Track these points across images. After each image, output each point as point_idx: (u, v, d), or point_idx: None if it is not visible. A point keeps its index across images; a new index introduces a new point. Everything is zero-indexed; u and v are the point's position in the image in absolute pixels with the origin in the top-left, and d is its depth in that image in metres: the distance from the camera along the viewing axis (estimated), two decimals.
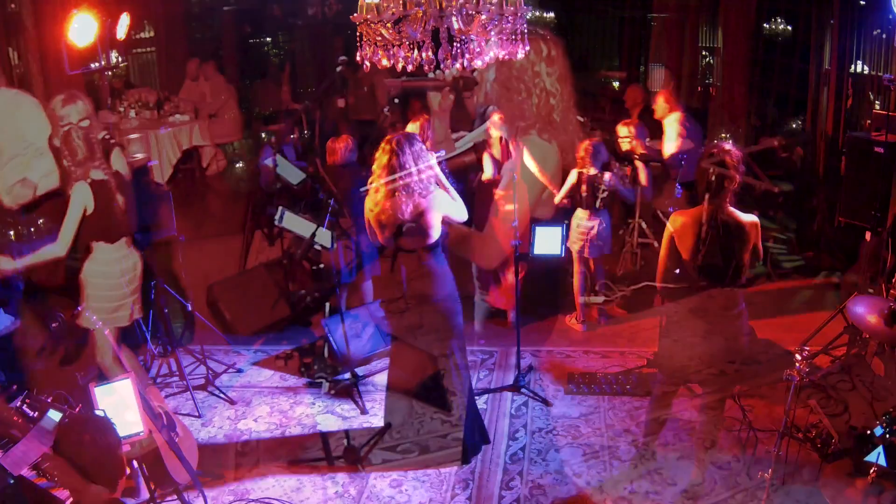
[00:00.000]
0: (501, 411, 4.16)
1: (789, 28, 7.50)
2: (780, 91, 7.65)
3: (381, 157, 3.49)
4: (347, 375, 4.37)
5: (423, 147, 3.52)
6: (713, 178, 3.20)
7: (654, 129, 5.86)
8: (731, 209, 3.22)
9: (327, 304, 4.68)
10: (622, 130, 5.59)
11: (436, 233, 3.52)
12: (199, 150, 8.53)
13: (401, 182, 3.41)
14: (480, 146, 4.30)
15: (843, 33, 5.55)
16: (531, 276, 4.98)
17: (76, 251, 3.78)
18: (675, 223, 3.36)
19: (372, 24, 2.46)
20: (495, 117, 3.58)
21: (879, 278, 4.45)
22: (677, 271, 3.26)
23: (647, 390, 4.08)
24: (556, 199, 4.79)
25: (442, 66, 2.54)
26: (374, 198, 3.52)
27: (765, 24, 7.68)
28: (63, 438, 2.31)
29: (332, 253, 4.35)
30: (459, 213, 3.64)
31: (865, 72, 5.65)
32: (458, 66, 2.57)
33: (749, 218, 3.24)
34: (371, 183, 3.54)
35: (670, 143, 5.60)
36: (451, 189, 3.65)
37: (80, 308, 3.93)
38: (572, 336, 5.01)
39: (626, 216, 5.85)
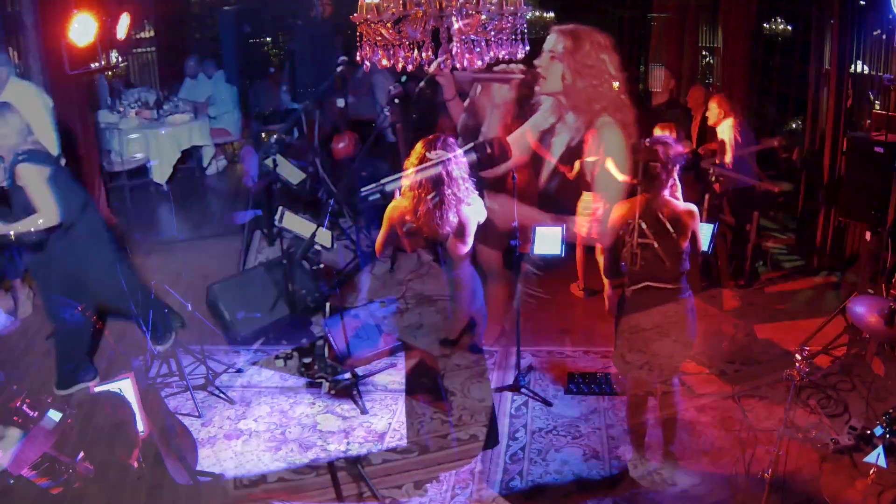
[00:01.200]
0: (501, 411, 4.16)
1: (789, 28, 7.50)
2: (780, 91, 7.65)
3: (422, 162, 3.28)
4: (347, 375, 4.37)
5: (460, 151, 3.36)
6: (643, 170, 3.18)
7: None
8: (668, 199, 3.20)
9: (327, 304, 4.68)
10: (657, 132, 5.54)
11: (471, 241, 3.42)
12: (200, 150, 8.53)
13: (448, 192, 3.28)
14: (480, 146, 4.29)
15: (843, 33, 5.55)
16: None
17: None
18: (614, 214, 3.32)
19: (372, 24, 2.46)
20: (549, 100, 3.43)
21: (879, 278, 4.46)
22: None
23: (648, 391, 4.07)
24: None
25: (459, 63, 2.52)
26: (412, 206, 3.31)
27: (765, 24, 7.68)
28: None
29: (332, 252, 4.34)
30: (484, 215, 3.53)
31: (865, 72, 5.65)
32: (458, 65, 2.57)
33: (685, 206, 3.21)
34: (404, 190, 3.36)
35: (725, 153, 5.50)
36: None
37: (79, 307, 3.93)
38: (572, 336, 5.01)
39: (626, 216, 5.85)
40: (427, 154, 3.29)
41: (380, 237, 3.52)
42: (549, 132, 3.36)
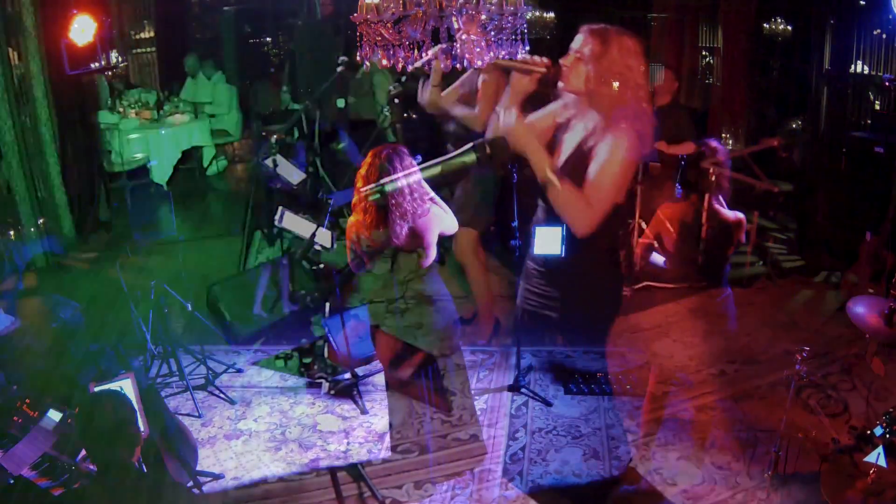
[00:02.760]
0: (501, 411, 4.16)
1: (789, 28, 7.50)
2: (780, 91, 7.65)
3: (368, 174, 3.27)
4: (347, 375, 4.37)
5: (413, 161, 3.35)
6: (713, 176, 3.22)
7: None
8: (717, 206, 3.24)
9: (327, 304, 4.68)
10: None
11: (433, 253, 3.40)
12: (200, 150, 8.53)
13: (393, 203, 3.26)
14: (479, 146, 4.28)
15: (843, 33, 5.55)
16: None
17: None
18: (664, 213, 3.34)
19: (372, 24, 2.46)
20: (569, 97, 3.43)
21: (880, 278, 4.46)
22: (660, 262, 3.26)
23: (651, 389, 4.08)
24: None
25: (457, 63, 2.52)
26: (363, 221, 3.30)
27: (765, 24, 7.68)
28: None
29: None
30: (451, 226, 3.51)
31: (865, 72, 5.65)
32: (458, 65, 2.57)
33: (735, 215, 3.23)
34: (355, 203, 3.33)
35: None
36: (439, 200, 3.50)
37: (78, 306, 3.93)
38: (572, 336, 5.00)
39: (626, 216, 5.85)
40: (374, 162, 3.26)
41: (348, 257, 3.51)
42: (563, 127, 3.33)
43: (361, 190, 3.28)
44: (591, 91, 3.05)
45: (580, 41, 3.05)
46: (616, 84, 2.99)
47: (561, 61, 3.08)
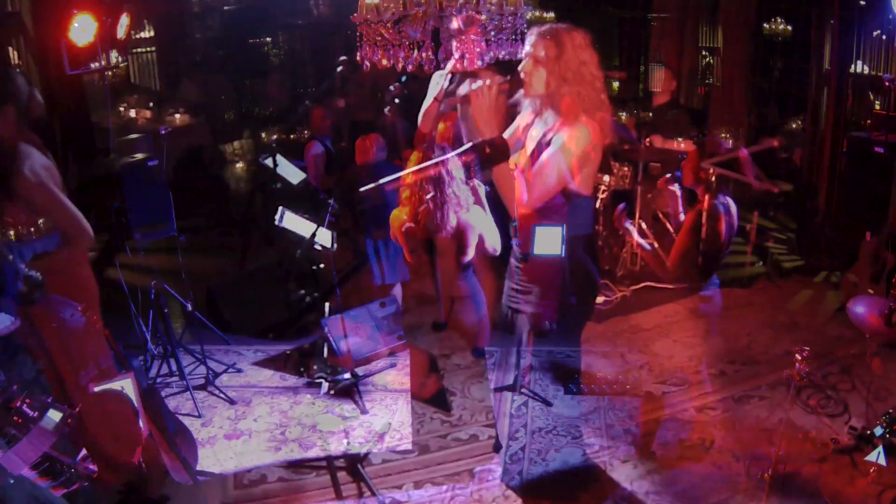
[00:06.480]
0: (501, 411, 4.16)
1: (789, 28, 7.50)
2: (780, 91, 7.66)
3: (420, 165, 3.35)
4: (347, 375, 4.37)
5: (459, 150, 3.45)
6: (713, 176, 3.24)
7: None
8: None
9: (327, 304, 4.68)
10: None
11: (472, 251, 3.44)
12: (199, 150, 8.53)
13: (449, 191, 3.32)
14: (479, 146, 4.28)
15: (843, 33, 5.55)
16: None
17: None
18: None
19: (372, 24, 2.46)
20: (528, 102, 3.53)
21: (880, 278, 4.46)
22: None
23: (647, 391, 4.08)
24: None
25: (442, 64, 2.55)
26: (412, 211, 3.38)
27: (765, 24, 7.69)
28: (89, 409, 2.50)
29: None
30: (494, 238, 3.54)
31: (865, 72, 5.65)
32: (458, 66, 2.58)
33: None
34: (402, 198, 3.43)
35: None
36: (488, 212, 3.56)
37: (80, 307, 3.92)
38: (572, 336, 5.00)
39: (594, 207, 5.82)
40: (427, 155, 3.33)
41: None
42: (527, 127, 3.41)
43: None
44: (552, 92, 3.08)
45: (534, 44, 3.07)
46: (574, 80, 3.04)
47: (519, 68, 3.11)
